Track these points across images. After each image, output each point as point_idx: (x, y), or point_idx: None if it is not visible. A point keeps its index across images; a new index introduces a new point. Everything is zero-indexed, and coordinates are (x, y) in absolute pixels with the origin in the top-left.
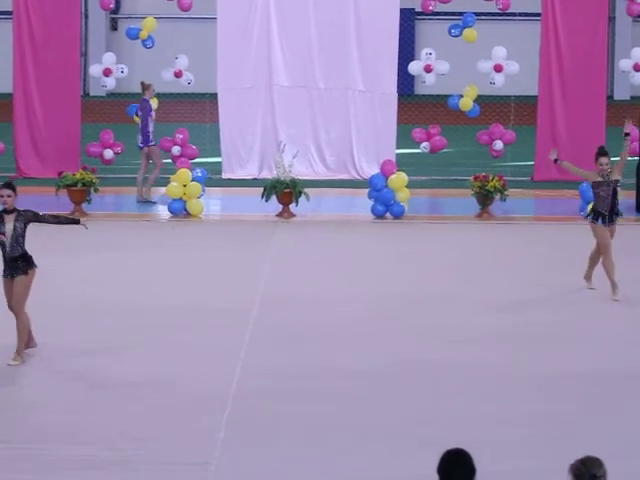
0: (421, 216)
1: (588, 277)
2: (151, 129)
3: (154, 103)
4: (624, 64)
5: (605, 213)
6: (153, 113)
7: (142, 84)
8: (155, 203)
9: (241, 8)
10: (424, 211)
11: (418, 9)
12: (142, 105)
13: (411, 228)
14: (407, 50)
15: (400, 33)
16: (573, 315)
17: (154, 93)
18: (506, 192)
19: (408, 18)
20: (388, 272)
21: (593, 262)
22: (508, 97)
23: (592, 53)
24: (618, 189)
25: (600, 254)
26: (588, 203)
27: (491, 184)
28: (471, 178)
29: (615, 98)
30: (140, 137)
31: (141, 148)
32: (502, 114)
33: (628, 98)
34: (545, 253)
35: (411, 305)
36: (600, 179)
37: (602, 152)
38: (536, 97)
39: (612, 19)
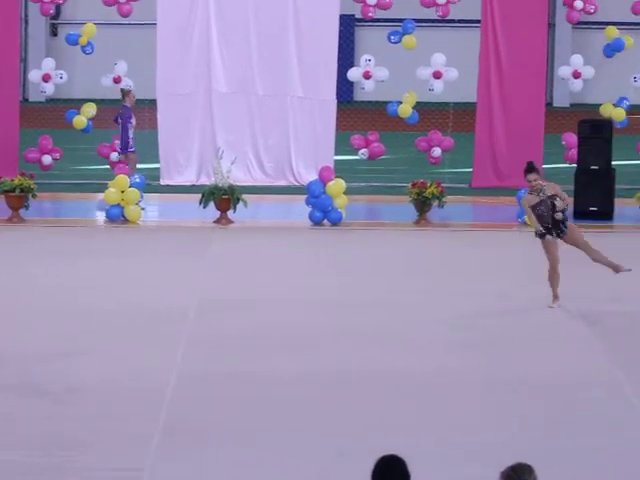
0: (359, 222)
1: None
2: (131, 136)
3: (92, 109)
4: (563, 71)
5: (548, 226)
6: (133, 120)
7: (122, 90)
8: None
9: (181, 14)
10: (362, 217)
11: (358, 15)
12: (122, 112)
13: (349, 234)
14: (347, 56)
15: (340, 39)
16: (508, 321)
17: (135, 100)
18: (444, 199)
19: (348, 24)
20: (326, 278)
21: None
22: (447, 104)
23: (531, 60)
24: (556, 202)
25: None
26: None
27: (429, 191)
28: (409, 185)
29: (554, 105)
30: (119, 143)
31: (119, 154)
32: (441, 121)
33: (567, 105)
34: (482, 260)
35: (348, 311)
36: (537, 199)
37: (528, 169)
38: (475, 104)
39: (552, 26)
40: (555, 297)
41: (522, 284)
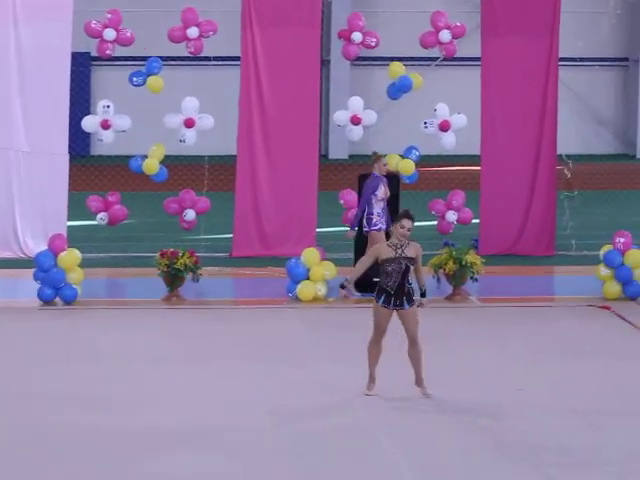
0: (98, 301)
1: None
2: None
3: None
4: (340, 116)
5: (390, 291)
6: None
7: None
8: None
9: None
10: (102, 295)
11: (94, 53)
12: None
13: (86, 315)
14: (81, 103)
15: (72, 82)
16: (284, 403)
17: (386, 168)
18: (199, 271)
19: (82, 64)
20: (63, 368)
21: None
22: (202, 157)
23: (301, 104)
24: (411, 268)
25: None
26: (297, 283)
27: (181, 261)
28: (157, 255)
29: (330, 157)
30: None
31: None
32: (195, 178)
33: (346, 157)
34: (245, 343)
35: (94, 406)
36: (392, 254)
37: (408, 215)
38: (235, 157)
39: (326, 63)
40: (372, 379)
41: (301, 365)
